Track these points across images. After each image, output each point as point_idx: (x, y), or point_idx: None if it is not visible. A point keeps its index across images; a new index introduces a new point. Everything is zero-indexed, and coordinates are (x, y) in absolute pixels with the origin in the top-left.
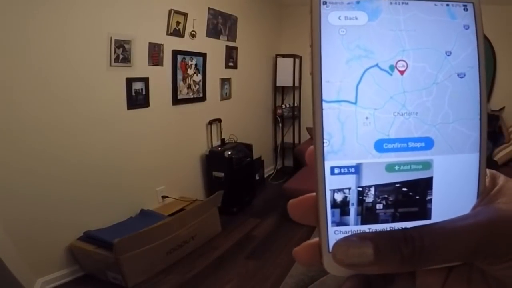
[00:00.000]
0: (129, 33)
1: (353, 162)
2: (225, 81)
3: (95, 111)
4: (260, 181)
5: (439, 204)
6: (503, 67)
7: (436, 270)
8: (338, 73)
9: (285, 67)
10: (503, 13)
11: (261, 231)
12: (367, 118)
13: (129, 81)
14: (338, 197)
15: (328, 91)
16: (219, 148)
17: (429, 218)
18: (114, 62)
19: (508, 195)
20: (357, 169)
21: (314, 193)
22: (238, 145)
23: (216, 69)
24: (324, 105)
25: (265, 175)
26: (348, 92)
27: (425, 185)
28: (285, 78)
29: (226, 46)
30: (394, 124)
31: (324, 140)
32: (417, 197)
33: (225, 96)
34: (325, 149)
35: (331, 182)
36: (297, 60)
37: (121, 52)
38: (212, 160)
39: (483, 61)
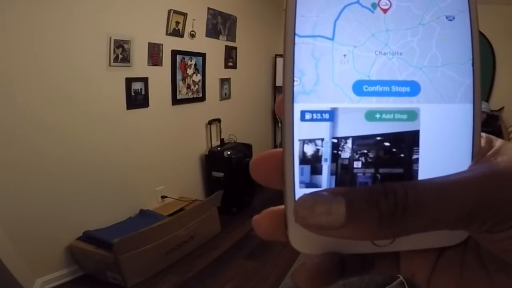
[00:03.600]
0: (129, 33)
1: (327, 106)
2: (224, 81)
3: (94, 111)
4: None
5: (426, 165)
6: (503, 67)
7: (424, 252)
8: (315, 8)
9: None
10: (503, 13)
11: None
12: (345, 55)
13: (129, 81)
14: (309, 149)
15: (302, 26)
16: (219, 148)
17: None
18: (114, 62)
19: (508, 155)
20: (331, 115)
21: (281, 149)
22: (237, 145)
23: (215, 69)
24: (297, 39)
25: None
26: (325, 27)
27: (411, 140)
28: None
29: (226, 46)
30: (376, 64)
31: (295, 79)
32: (402, 155)
33: (225, 96)
34: (295, 88)
35: (301, 130)
36: None
37: (121, 52)
38: (212, 160)
39: (474, 6)
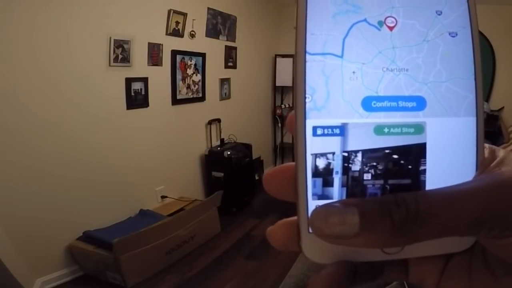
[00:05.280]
0: (129, 33)
1: (338, 121)
2: (224, 81)
3: (94, 111)
4: (259, 181)
5: (433, 176)
6: (503, 67)
7: (432, 258)
8: (324, 27)
9: (284, 67)
10: (503, 13)
11: (261, 231)
12: (354, 72)
13: (128, 81)
14: (321, 163)
15: (312, 43)
16: (219, 148)
17: None
18: (114, 62)
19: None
20: (342, 130)
21: (294, 162)
22: (237, 145)
23: (215, 69)
24: (308, 57)
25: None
26: (334, 45)
27: (418, 152)
28: (284, 78)
29: (226, 46)
30: (383, 80)
31: (306, 95)
32: (409, 167)
33: (225, 96)
34: (307, 105)
35: (313, 145)
36: None
37: (120, 52)
38: (212, 160)
39: (475, 23)
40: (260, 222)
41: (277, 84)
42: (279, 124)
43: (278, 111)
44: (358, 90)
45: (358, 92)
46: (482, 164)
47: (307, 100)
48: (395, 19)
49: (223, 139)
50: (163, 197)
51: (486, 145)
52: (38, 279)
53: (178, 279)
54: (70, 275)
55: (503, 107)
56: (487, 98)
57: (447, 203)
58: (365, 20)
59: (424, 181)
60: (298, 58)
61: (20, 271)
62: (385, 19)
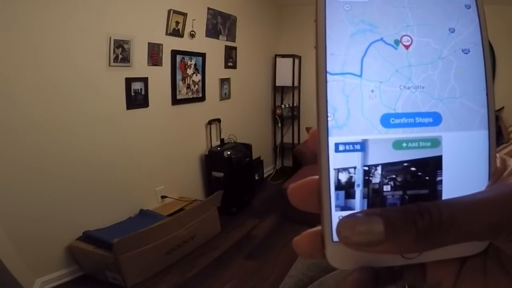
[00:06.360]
0: (128, 33)
1: (358, 138)
2: (224, 81)
3: (94, 111)
4: (259, 181)
5: (449, 186)
6: (503, 67)
7: (448, 261)
8: (343, 46)
9: (284, 67)
10: (503, 13)
11: (261, 231)
12: (372, 91)
13: (128, 81)
14: (343, 177)
15: (332, 64)
16: (219, 148)
17: None
18: (113, 62)
19: None
20: (363, 146)
21: (317, 176)
22: (237, 145)
23: (215, 69)
24: (329, 77)
25: (265, 175)
26: (353, 64)
27: (435, 164)
28: (284, 78)
29: (226, 46)
30: (401, 98)
31: (329, 114)
32: (427, 178)
33: (225, 96)
34: (329, 123)
35: (336, 160)
36: (296, 60)
37: (120, 52)
38: (212, 160)
39: (486, 39)
40: (260, 222)
41: (277, 84)
42: (279, 124)
43: (278, 111)
44: (377, 108)
45: (377, 110)
46: (495, 174)
47: (329, 118)
48: (411, 37)
49: (223, 139)
50: (163, 197)
51: (497, 154)
52: (38, 279)
53: (178, 279)
54: (70, 275)
55: (503, 107)
56: None
57: (467, 211)
58: (381, 39)
59: (441, 191)
60: (319, 78)
61: (20, 271)
62: (401, 37)
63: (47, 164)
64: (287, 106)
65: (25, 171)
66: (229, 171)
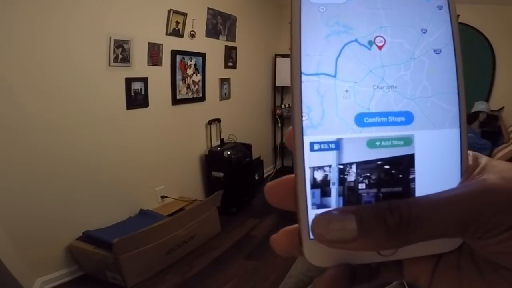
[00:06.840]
0: (128, 33)
1: (333, 137)
2: (224, 81)
3: (94, 111)
4: (259, 181)
5: (422, 183)
6: (503, 67)
7: (424, 258)
8: (318, 47)
9: (284, 67)
10: (503, 13)
11: (260, 231)
12: (347, 91)
13: (128, 81)
14: (318, 175)
15: (307, 64)
16: (219, 148)
17: None
18: (113, 62)
19: (494, 172)
20: (337, 145)
21: (293, 175)
22: (237, 145)
23: (215, 69)
24: (303, 77)
25: (265, 175)
26: (328, 65)
27: (408, 162)
28: (284, 78)
29: (226, 46)
30: (374, 98)
31: (303, 114)
32: (400, 176)
33: (225, 96)
34: (304, 123)
35: (311, 159)
36: None
37: (120, 52)
38: (212, 160)
39: (457, 39)
40: (260, 222)
41: (277, 84)
42: (279, 124)
43: (278, 111)
44: (351, 107)
45: (351, 110)
46: (466, 171)
47: (304, 118)
48: (384, 38)
49: (223, 139)
50: (163, 197)
51: (470, 152)
52: (38, 279)
53: (178, 279)
54: (70, 275)
55: (503, 107)
56: (487, 98)
57: (436, 208)
58: (356, 40)
59: (414, 189)
60: (294, 78)
61: (20, 271)
62: (375, 38)
63: (47, 164)
64: (287, 106)
65: (25, 171)
66: (229, 171)
